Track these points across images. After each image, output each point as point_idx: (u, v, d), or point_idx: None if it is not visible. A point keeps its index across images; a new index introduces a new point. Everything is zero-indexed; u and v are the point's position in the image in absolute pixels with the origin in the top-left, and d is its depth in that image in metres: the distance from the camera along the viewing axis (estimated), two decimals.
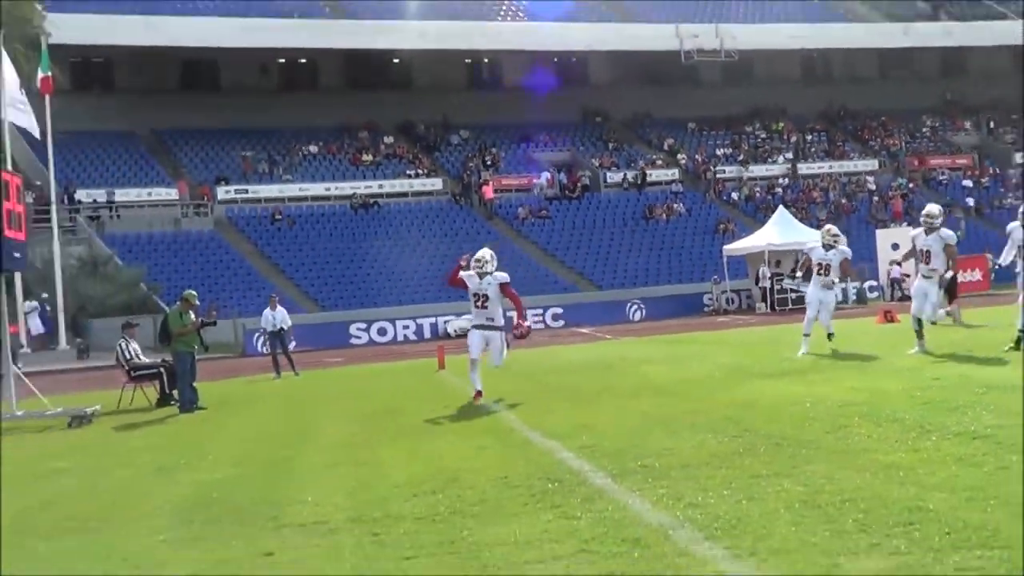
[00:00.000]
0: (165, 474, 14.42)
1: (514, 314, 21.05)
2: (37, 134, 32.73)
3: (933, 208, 22.84)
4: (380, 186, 69.68)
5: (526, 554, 8.33)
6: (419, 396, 23.43)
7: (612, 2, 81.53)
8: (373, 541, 9.35)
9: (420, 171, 72.65)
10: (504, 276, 20.69)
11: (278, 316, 34.03)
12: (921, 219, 22.82)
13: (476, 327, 20.68)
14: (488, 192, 68.58)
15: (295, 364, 33.70)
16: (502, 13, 78.46)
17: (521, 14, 78.58)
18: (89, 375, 36.81)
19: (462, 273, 20.54)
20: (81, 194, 62.66)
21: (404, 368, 33.59)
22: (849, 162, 79.80)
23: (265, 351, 37.85)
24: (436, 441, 15.48)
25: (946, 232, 22.42)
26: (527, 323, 20.82)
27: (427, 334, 52.49)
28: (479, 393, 19.96)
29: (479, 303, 20.46)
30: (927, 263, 22.16)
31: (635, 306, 56.31)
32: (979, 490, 9.06)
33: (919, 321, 22.10)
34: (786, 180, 76.05)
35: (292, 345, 36.18)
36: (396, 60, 75.63)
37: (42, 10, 60.33)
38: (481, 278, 20.32)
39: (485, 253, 20.70)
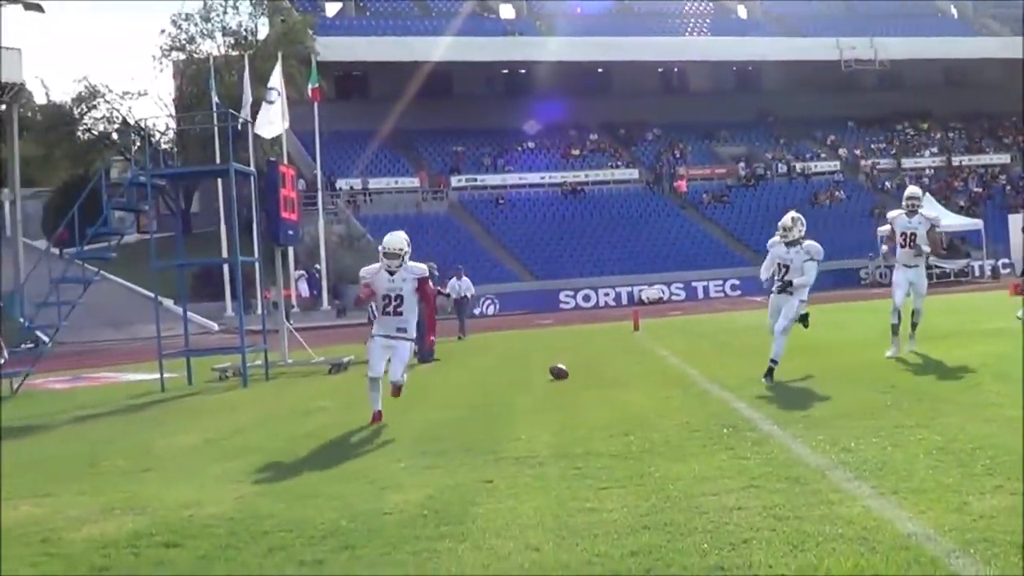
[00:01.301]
0: (406, 413, 14.59)
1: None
2: (269, 135, 33.41)
3: (915, 189, 19.22)
4: (586, 175, 69.69)
5: (703, 487, 8.33)
6: (616, 353, 23.44)
7: (781, 20, 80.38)
8: (575, 473, 9.40)
9: (619, 163, 72.54)
10: (422, 269, 14.49)
11: (464, 284, 34.09)
12: (904, 200, 18.50)
13: (380, 335, 14.08)
14: (682, 186, 68.21)
15: (466, 329, 33.18)
16: (689, 29, 77.85)
17: (705, 30, 77.92)
18: (345, 331, 37.38)
19: (363, 271, 14.54)
20: (341, 183, 63.80)
21: (604, 329, 33.57)
22: (985, 156, 77.81)
23: (496, 314, 38.10)
24: (629, 391, 15.48)
25: (931, 213, 18.69)
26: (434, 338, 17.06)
27: (624, 300, 52.42)
28: (378, 414, 13.78)
29: (389, 307, 13.98)
30: (911, 247, 17.88)
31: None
32: None
33: (898, 315, 17.74)
34: (931, 171, 74.57)
35: (475, 311, 36.19)
36: (600, 69, 75.52)
37: (313, 35, 61.54)
38: (392, 274, 13.95)
39: (400, 240, 14.24)
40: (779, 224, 16.71)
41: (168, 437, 13.99)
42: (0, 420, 16.35)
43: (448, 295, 30.96)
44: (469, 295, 34.09)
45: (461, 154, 69.30)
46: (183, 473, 10.86)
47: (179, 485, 10.12)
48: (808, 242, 16.42)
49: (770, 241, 17.00)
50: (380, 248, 14.16)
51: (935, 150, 77.84)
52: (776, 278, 16.60)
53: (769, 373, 15.45)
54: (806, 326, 17.11)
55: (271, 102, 32.89)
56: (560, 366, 18.03)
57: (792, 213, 16.82)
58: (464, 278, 34.29)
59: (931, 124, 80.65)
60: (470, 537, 7.26)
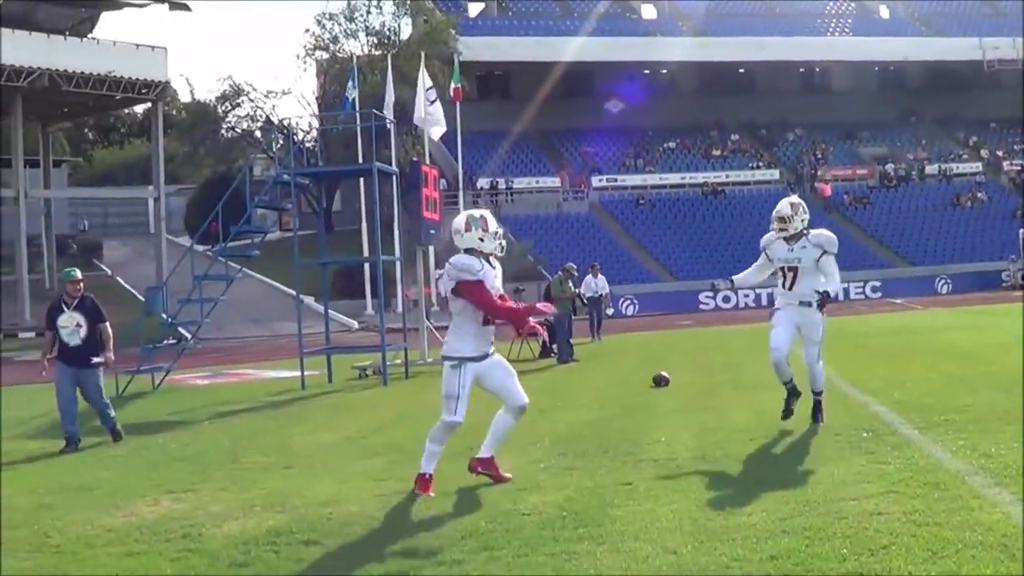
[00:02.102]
0: (545, 414, 14.60)
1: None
2: (437, 137, 33.60)
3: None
4: (727, 176, 69.25)
5: (842, 491, 8.25)
6: (755, 354, 23.17)
7: (923, 20, 79.14)
8: (714, 476, 9.36)
9: (760, 163, 71.95)
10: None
11: (600, 283, 31.94)
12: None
13: (472, 358, 9.82)
14: (826, 190, 67.40)
15: (601, 330, 31.43)
16: (831, 29, 77.01)
17: (847, 29, 77.01)
18: None
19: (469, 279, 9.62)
20: (483, 182, 64.14)
21: (744, 331, 33.32)
22: None
23: (635, 314, 37.67)
24: (768, 393, 15.26)
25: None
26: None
27: (764, 302, 51.87)
28: (427, 481, 9.55)
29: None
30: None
31: (943, 280, 54.96)
32: None
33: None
34: None
35: (610, 312, 33.85)
36: (741, 69, 74.99)
37: (455, 34, 61.94)
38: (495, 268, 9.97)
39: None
40: (774, 214, 12.35)
41: (308, 434, 14.16)
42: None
43: (582, 300, 30.22)
44: (604, 293, 32.16)
45: (590, 155, 69.21)
46: (323, 470, 11.00)
47: (319, 482, 10.24)
48: (816, 232, 12.19)
49: (764, 238, 12.63)
50: (493, 230, 9.79)
51: None
52: (784, 286, 12.37)
53: (788, 411, 12.14)
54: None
55: (432, 101, 33.09)
56: (663, 374, 17.73)
57: (792, 198, 12.56)
58: (600, 275, 32.32)
59: None
60: (608, 539, 7.26)
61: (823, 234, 12.16)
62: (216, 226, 25.73)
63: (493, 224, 9.80)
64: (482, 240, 9.66)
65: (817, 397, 12.20)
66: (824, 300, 11.86)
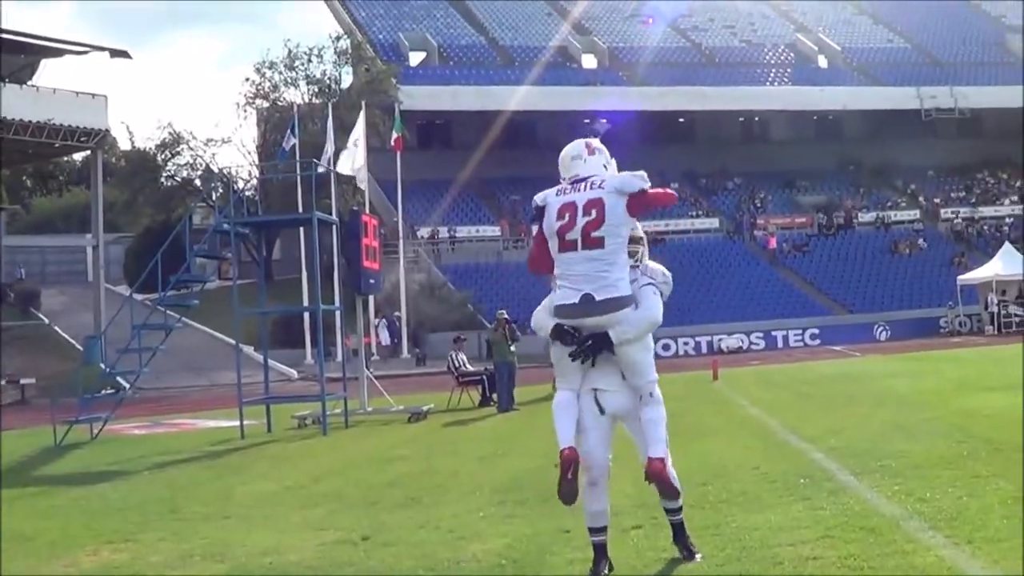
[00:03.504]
0: (485, 462, 14.67)
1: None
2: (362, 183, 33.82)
3: None
4: (666, 224, 69.50)
5: (779, 538, 8.38)
6: (695, 402, 23.36)
7: (861, 70, 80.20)
8: (653, 523, 9.44)
9: (700, 212, 72.45)
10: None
11: None
12: None
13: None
14: (771, 242, 67.76)
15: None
16: (770, 78, 77.86)
17: (786, 79, 77.85)
18: (425, 379, 37.56)
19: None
20: (423, 231, 64.17)
21: (683, 378, 33.47)
22: None
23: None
24: (708, 440, 15.44)
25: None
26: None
27: (704, 349, 52.19)
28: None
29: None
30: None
31: (881, 327, 55.39)
32: None
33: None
34: (1011, 220, 73.83)
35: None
36: (681, 119, 75.56)
37: (396, 84, 62.17)
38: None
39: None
40: None
41: (248, 484, 14.13)
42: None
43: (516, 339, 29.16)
44: None
45: (519, 204, 69.25)
46: (263, 520, 10.99)
47: (259, 532, 10.25)
48: (648, 262, 8.84)
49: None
50: None
51: (1015, 198, 77.10)
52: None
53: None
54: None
55: (349, 148, 33.24)
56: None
57: None
58: None
59: (1011, 172, 79.88)
60: None
61: (653, 266, 9.00)
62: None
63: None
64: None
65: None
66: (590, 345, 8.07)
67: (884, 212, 73.65)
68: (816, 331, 55.39)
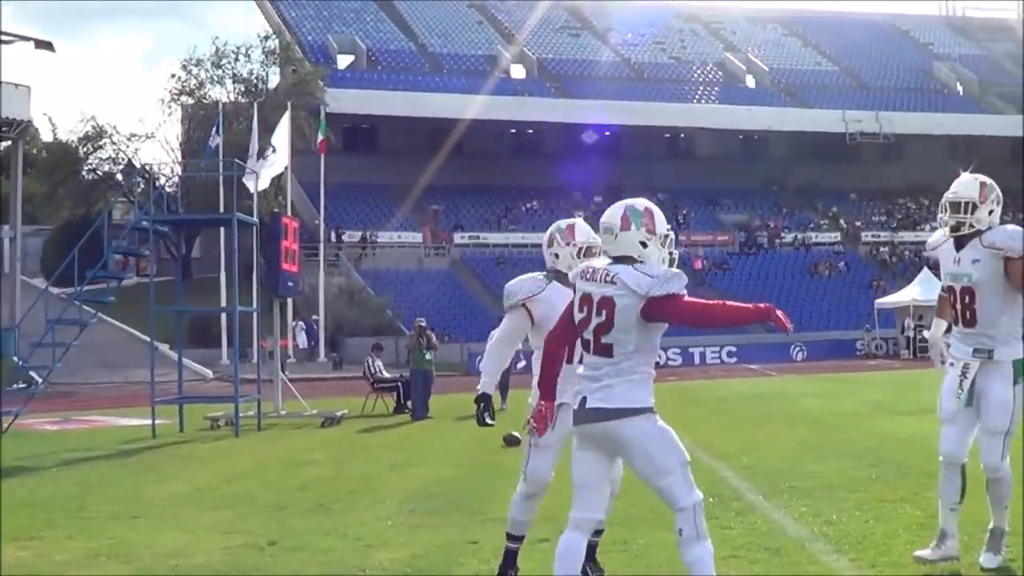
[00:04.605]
0: (397, 469, 14.69)
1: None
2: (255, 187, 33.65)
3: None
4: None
5: None
6: None
7: (788, 91, 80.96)
8: (559, 536, 9.51)
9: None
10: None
11: None
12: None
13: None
14: (697, 263, 68.02)
15: (506, 395, 25.74)
16: (698, 96, 78.41)
17: (714, 98, 78.47)
18: (341, 384, 37.41)
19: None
20: (344, 234, 63.98)
21: None
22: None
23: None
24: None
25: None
26: None
27: None
28: None
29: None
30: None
31: (798, 348, 55.81)
32: None
33: None
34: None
35: (520, 365, 30.12)
36: (607, 132, 75.82)
37: (323, 86, 62.00)
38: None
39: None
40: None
41: (158, 484, 14.06)
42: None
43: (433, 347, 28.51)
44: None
45: (438, 213, 69.19)
46: (172, 521, 10.95)
47: (167, 533, 10.21)
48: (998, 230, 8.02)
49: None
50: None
51: (935, 225, 78.01)
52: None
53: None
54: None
55: (265, 158, 33.16)
56: (515, 433, 17.81)
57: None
58: None
59: (933, 199, 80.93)
60: None
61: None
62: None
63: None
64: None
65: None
66: None
67: (805, 233, 74.37)
68: (733, 349, 55.74)
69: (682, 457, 6.63)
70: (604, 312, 6.59)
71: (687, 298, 6.69)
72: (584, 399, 6.66)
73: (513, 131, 74.07)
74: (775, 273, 68.96)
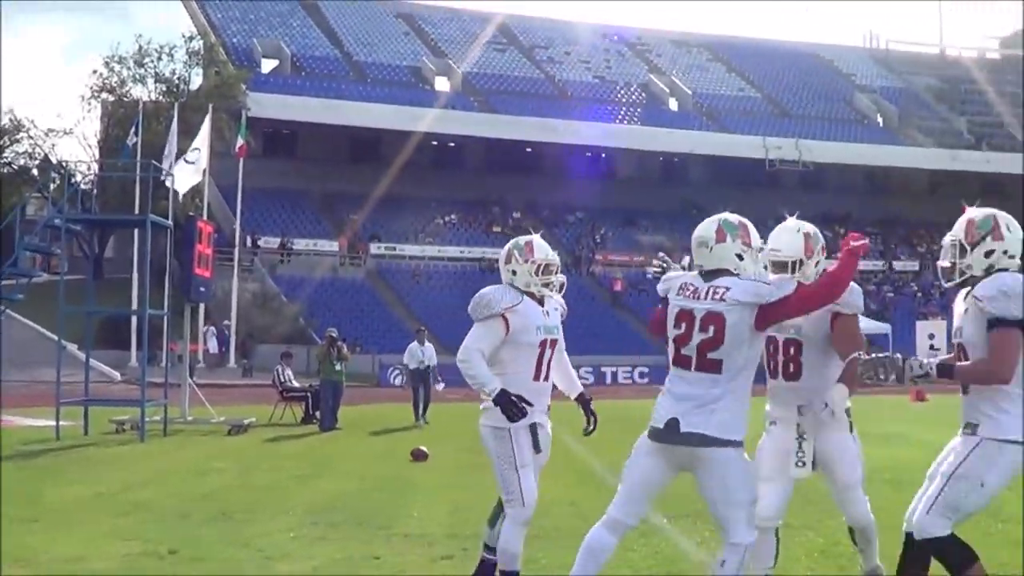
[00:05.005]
0: (302, 481, 14.66)
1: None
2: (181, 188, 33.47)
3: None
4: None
5: None
6: None
7: (710, 116, 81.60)
8: (462, 554, 9.56)
9: None
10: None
11: (427, 352, 27.58)
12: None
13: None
14: (617, 284, 68.18)
15: (427, 408, 26.73)
16: (620, 117, 78.82)
17: (636, 119, 78.89)
18: (250, 391, 37.25)
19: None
20: (260, 240, 63.67)
21: None
22: (899, 262, 79.40)
23: (402, 386, 35.63)
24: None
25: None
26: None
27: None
28: None
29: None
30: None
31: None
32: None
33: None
34: None
35: (440, 387, 28.11)
36: (528, 149, 75.95)
37: (245, 90, 61.69)
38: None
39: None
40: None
41: (59, 488, 13.92)
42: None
43: (345, 358, 26.30)
44: (432, 365, 27.53)
45: (356, 222, 69.00)
46: (72, 526, 10.86)
47: (66, 538, 10.13)
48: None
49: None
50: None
51: None
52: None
53: None
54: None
55: (190, 162, 32.96)
56: (422, 448, 17.89)
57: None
58: (427, 343, 28.12)
59: (848, 228, 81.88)
60: None
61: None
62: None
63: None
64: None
65: None
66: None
67: None
68: (646, 369, 55.85)
69: (753, 495, 6.73)
70: (712, 328, 6.58)
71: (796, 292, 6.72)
72: (676, 420, 6.63)
73: (435, 143, 73.98)
74: None
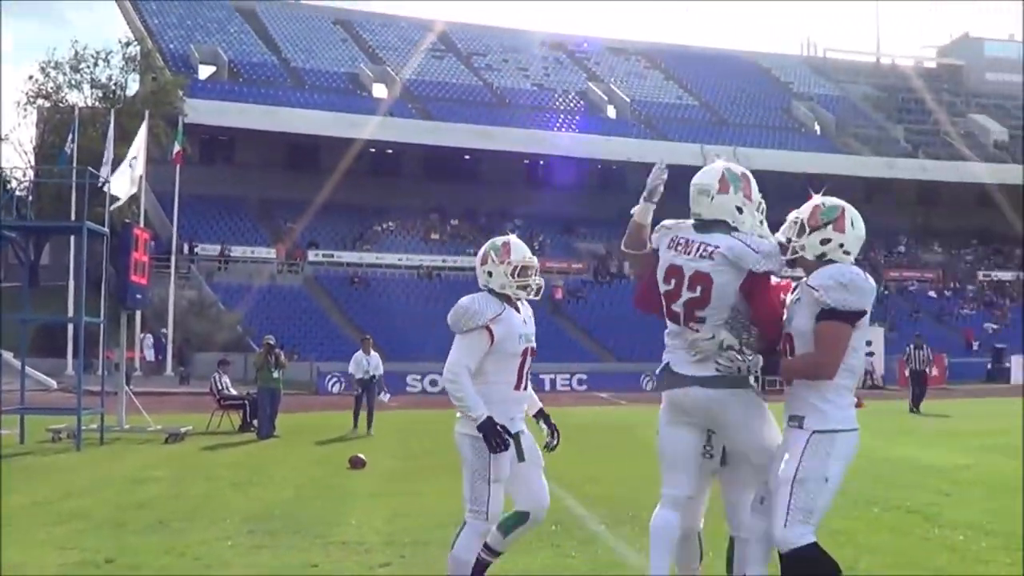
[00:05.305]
0: (239, 489, 14.65)
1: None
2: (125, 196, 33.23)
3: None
4: (444, 260, 69.98)
5: None
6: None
7: (648, 123, 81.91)
8: (399, 562, 9.60)
9: (478, 250, 72.87)
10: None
11: (372, 361, 26.78)
12: None
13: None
14: (557, 292, 68.20)
15: (372, 421, 25.93)
16: (558, 124, 78.99)
17: (574, 126, 79.07)
18: (187, 399, 37.05)
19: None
20: (198, 247, 63.36)
21: (448, 415, 33.56)
22: None
23: (340, 393, 35.32)
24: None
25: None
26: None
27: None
28: None
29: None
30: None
31: (648, 378, 56.20)
32: (903, 555, 9.29)
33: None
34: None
35: (386, 398, 27.63)
36: (466, 156, 75.96)
37: (182, 96, 61.39)
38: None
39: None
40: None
41: None
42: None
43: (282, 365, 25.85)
44: (378, 375, 26.71)
45: (294, 230, 68.77)
46: (7, 536, 10.79)
47: (2, 548, 10.08)
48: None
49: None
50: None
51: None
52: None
53: None
54: None
55: (130, 168, 32.80)
56: (360, 455, 17.94)
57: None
58: (373, 352, 27.15)
59: None
60: None
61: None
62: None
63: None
64: None
65: None
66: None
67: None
68: (584, 376, 56.04)
69: (779, 438, 6.71)
70: (699, 287, 6.63)
71: (774, 289, 6.69)
72: (670, 365, 6.94)
73: (373, 150, 73.89)
74: (628, 302, 69.41)
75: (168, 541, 10.52)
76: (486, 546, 7.76)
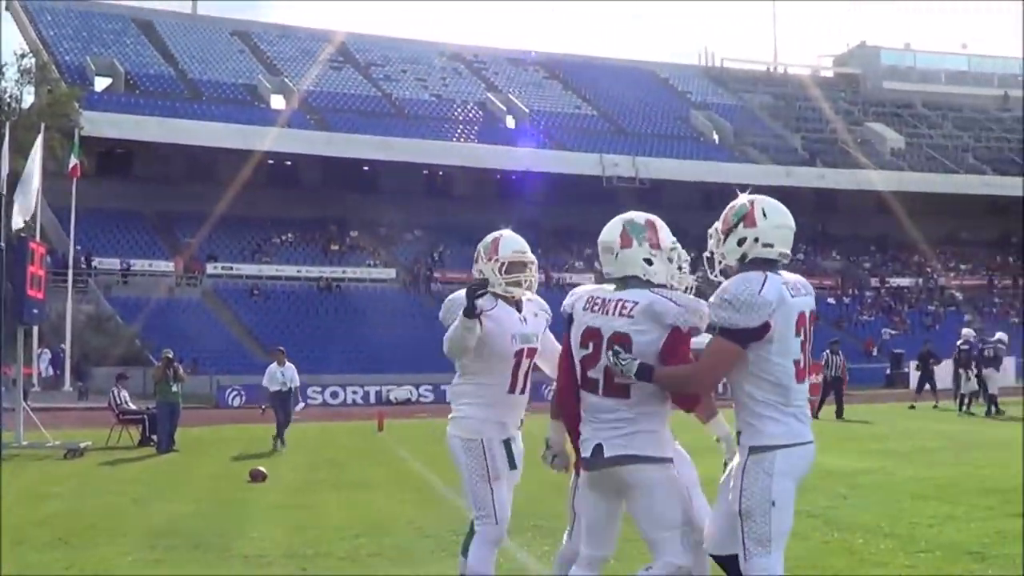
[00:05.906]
0: (139, 504, 14.57)
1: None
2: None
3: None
4: (343, 272, 69.74)
5: None
6: (359, 453, 23.60)
7: (547, 133, 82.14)
8: (302, 574, 9.65)
9: (377, 262, 72.89)
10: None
11: (287, 373, 26.04)
12: None
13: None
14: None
15: (283, 433, 25.11)
16: (457, 135, 78.99)
17: (473, 136, 79.09)
18: (86, 414, 36.63)
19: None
20: (95, 261, 62.62)
21: (350, 428, 33.64)
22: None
23: (242, 406, 34.96)
24: (368, 492, 15.66)
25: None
26: None
27: (372, 400, 52.36)
28: None
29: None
30: None
31: (547, 388, 56.46)
32: (803, 559, 9.35)
33: None
34: (686, 290, 76.45)
35: (300, 408, 27.47)
36: (365, 168, 75.70)
37: (79, 108, 60.67)
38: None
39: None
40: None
41: None
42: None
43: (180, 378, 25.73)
44: (294, 387, 26.08)
45: (192, 244, 68.29)
46: None
47: None
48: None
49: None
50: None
51: (687, 269, 79.88)
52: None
53: None
54: None
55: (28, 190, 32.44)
56: (260, 468, 17.92)
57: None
58: (288, 364, 26.33)
59: (687, 246, 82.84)
60: None
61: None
62: None
63: None
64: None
65: None
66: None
67: (560, 274, 75.23)
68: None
69: (686, 516, 6.29)
70: (619, 348, 6.02)
71: (690, 353, 6.15)
72: (600, 446, 6.09)
73: (271, 162, 73.49)
74: None
75: (69, 557, 10.47)
76: None
